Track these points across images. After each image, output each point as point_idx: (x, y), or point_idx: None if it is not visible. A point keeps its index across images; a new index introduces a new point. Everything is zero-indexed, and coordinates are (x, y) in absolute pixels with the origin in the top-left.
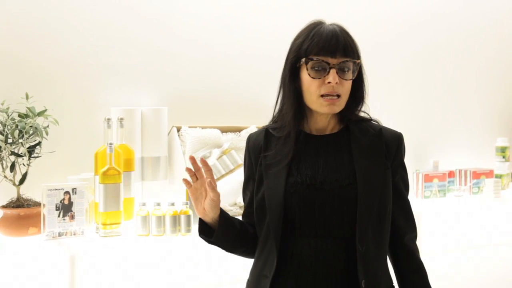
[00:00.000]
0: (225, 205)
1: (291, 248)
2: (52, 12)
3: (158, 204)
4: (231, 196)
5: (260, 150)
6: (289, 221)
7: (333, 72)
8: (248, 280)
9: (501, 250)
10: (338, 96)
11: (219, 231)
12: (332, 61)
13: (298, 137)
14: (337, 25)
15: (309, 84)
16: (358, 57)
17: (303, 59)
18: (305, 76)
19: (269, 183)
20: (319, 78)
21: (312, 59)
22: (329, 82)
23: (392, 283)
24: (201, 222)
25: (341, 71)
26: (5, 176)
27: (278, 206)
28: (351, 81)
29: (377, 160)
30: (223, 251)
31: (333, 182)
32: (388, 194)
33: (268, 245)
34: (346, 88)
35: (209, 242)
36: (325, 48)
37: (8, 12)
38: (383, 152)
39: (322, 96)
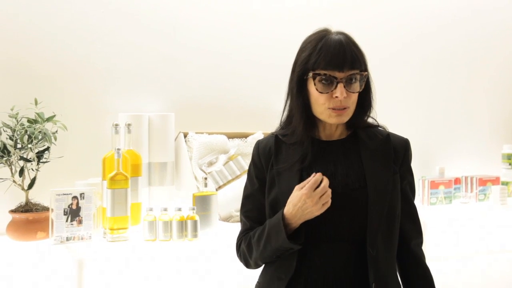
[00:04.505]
0: (231, 210)
1: (301, 252)
2: (60, 20)
3: (165, 209)
4: (237, 202)
5: (270, 155)
6: (301, 225)
7: (340, 86)
8: (258, 282)
9: (507, 257)
10: (345, 108)
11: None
12: (340, 75)
13: (311, 144)
14: (343, 34)
15: (317, 98)
16: (365, 68)
17: (311, 73)
18: (313, 90)
19: (282, 188)
20: (327, 93)
21: (319, 74)
22: (336, 97)
23: (401, 287)
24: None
25: (348, 84)
26: (14, 181)
27: None
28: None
29: (386, 165)
30: (229, 256)
31: (344, 186)
32: (397, 198)
33: None
34: (353, 99)
35: (296, 245)
36: (332, 62)
37: (17, 20)
38: (391, 157)
39: (329, 108)
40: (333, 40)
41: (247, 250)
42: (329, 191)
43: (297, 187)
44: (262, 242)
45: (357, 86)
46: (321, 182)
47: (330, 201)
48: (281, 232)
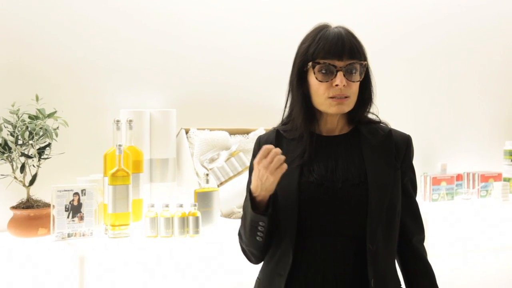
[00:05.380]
0: (233, 207)
1: (301, 247)
2: (62, 16)
3: (167, 206)
4: (239, 198)
5: None
6: (301, 220)
7: (340, 75)
8: (258, 278)
9: (509, 254)
10: (346, 97)
11: (271, 208)
12: (339, 63)
13: (310, 139)
14: (343, 28)
15: (317, 87)
16: (365, 59)
17: (310, 63)
18: (313, 80)
19: (282, 183)
20: (326, 81)
21: (319, 63)
22: (336, 85)
23: (400, 284)
24: (252, 199)
25: (348, 73)
26: (15, 177)
27: (293, 206)
28: (358, 82)
29: (387, 161)
30: (231, 252)
31: (345, 182)
32: (398, 194)
33: (283, 243)
34: (354, 89)
35: (262, 216)
36: (331, 51)
37: (18, 17)
38: (393, 153)
39: (330, 98)
40: (332, 31)
41: (240, 239)
42: (281, 157)
43: (254, 162)
44: (242, 222)
45: (357, 76)
46: None
47: (285, 166)
48: (249, 204)
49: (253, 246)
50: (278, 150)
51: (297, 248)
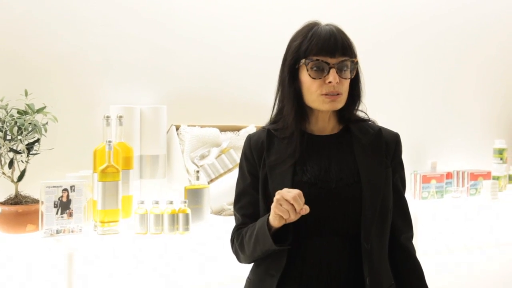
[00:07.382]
0: (223, 203)
1: (295, 247)
2: (51, 10)
3: (157, 203)
4: (229, 196)
5: (262, 149)
6: (295, 220)
7: (333, 72)
8: (248, 278)
9: (498, 252)
10: (339, 94)
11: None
12: (332, 61)
13: (301, 137)
14: (333, 25)
15: (310, 85)
16: (355, 56)
17: (303, 60)
18: (305, 77)
19: (275, 183)
20: (319, 78)
21: (311, 60)
22: (329, 82)
23: (393, 280)
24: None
25: (340, 71)
26: (3, 173)
27: None
28: (349, 79)
29: (379, 159)
30: (220, 249)
31: (338, 181)
32: (389, 192)
33: None
34: (345, 86)
35: (280, 248)
36: (324, 48)
37: (8, 10)
38: (383, 151)
39: (322, 95)
40: (324, 28)
41: (239, 248)
42: (304, 206)
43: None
44: (252, 242)
45: (348, 73)
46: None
47: (295, 217)
48: (267, 236)
49: (254, 259)
50: (301, 195)
51: (291, 249)
